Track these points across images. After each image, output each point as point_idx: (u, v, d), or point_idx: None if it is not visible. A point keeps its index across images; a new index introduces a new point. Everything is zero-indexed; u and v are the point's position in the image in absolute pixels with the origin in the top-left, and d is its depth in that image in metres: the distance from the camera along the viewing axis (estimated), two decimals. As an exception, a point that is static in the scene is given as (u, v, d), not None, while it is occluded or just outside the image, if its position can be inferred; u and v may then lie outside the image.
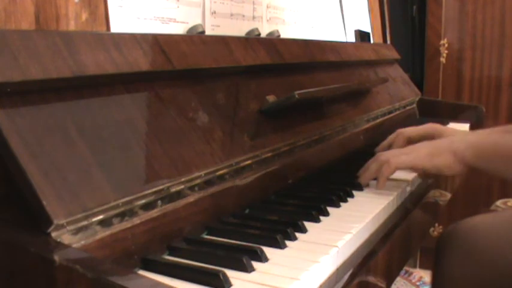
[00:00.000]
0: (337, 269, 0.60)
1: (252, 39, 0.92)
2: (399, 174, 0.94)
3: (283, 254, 0.59)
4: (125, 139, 0.59)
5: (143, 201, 0.57)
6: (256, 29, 1.03)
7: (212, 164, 0.68)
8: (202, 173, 0.66)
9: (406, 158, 0.83)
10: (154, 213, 0.58)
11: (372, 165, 0.86)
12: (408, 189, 0.90)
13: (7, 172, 0.49)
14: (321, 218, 0.70)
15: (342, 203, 0.77)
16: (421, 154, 0.83)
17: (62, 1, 0.65)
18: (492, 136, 0.85)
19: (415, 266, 2.22)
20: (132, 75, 0.64)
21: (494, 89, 2.10)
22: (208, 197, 0.66)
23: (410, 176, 0.92)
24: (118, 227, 0.53)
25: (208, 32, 0.91)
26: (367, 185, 0.87)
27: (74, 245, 0.49)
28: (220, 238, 0.63)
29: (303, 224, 0.66)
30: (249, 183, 0.74)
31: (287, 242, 0.61)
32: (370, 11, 1.75)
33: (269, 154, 0.80)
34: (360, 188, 0.85)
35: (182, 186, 0.62)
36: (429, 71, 2.18)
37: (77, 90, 0.57)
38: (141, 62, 0.66)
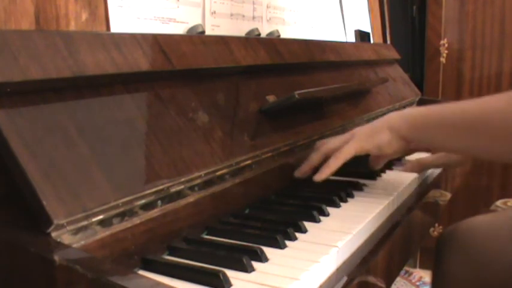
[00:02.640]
0: (337, 269, 0.60)
1: (252, 39, 0.92)
2: (398, 176, 0.94)
3: (283, 254, 0.59)
4: (125, 139, 0.59)
5: (143, 201, 0.57)
6: (256, 29, 1.03)
7: (212, 164, 0.68)
8: (202, 173, 0.66)
9: (349, 147, 0.81)
10: (154, 213, 0.58)
11: (313, 156, 0.84)
12: (407, 189, 0.90)
13: (7, 172, 0.49)
14: (321, 218, 0.70)
15: (342, 203, 0.77)
16: (362, 137, 0.82)
17: (62, 1, 0.65)
18: (427, 107, 0.82)
19: (415, 266, 2.22)
20: (132, 75, 0.64)
21: (494, 89, 2.10)
22: (208, 197, 0.66)
23: (410, 177, 0.92)
24: (118, 227, 0.53)
25: (208, 32, 0.91)
26: (365, 185, 0.87)
27: (74, 245, 0.49)
28: (220, 238, 0.63)
29: (303, 224, 0.66)
30: (249, 183, 0.74)
31: (287, 242, 0.61)
32: (370, 11, 1.75)
33: (269, 154, 0.80)
34: (360, 188, 0.85)
35: (182, 186, 0.62)
36: (429, 71, 2.18)
37: (77, 90, 0.57)
38: (141, 62, 0.66)
